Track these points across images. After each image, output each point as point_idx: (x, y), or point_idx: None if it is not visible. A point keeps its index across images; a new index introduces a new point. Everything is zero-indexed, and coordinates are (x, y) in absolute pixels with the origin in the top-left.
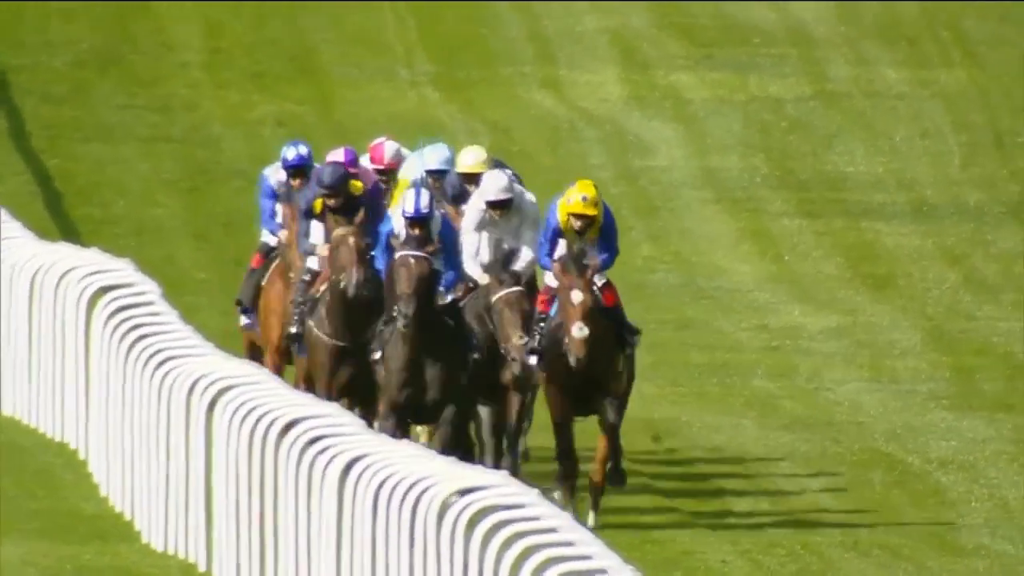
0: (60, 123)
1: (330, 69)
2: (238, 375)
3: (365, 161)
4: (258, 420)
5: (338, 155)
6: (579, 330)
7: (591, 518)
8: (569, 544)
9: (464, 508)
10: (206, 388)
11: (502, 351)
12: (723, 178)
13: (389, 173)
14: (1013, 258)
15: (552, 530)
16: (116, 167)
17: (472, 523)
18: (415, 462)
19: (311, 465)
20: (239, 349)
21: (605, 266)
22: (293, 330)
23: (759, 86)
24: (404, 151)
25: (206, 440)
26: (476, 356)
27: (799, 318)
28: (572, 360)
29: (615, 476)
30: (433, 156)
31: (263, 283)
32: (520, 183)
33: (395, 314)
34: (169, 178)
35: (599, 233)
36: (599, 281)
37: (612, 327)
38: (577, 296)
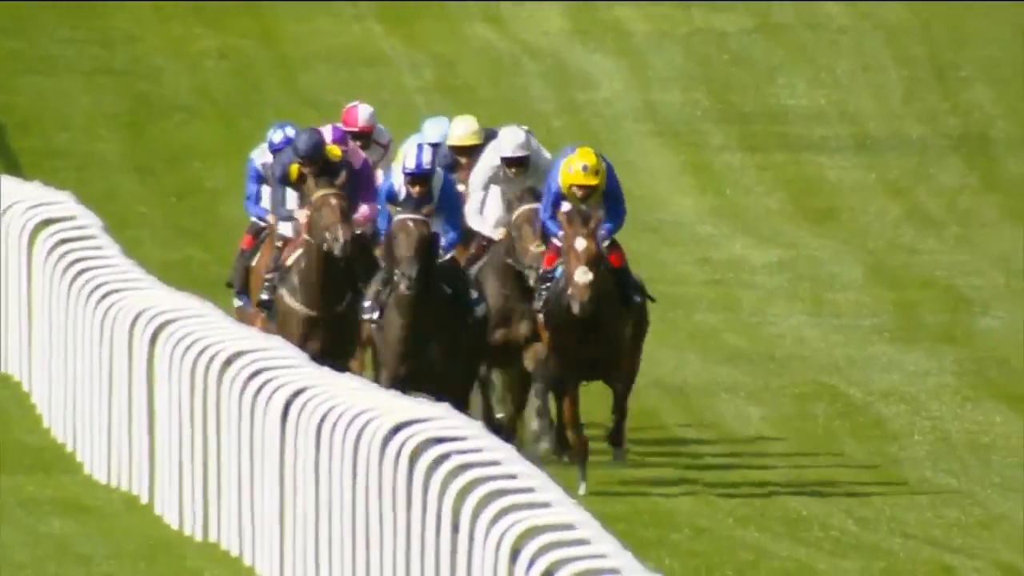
0: (1, 55)
1: (273, 2)
2: (180, 308)
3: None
4: (200, 353)
5: (325, 133)
6: (583, 274)
7: (582, 487)
8: (512, 477)
9: (406, 440)
10: (148, 321)
11: (515, 265)
12: (665, 111)
13: (364, 137)
14: (955, 192)
15: (495, 463)
16: (58, 100)
17: (415, 455)
18: (357, 394)
19: (253, 397)
20: (181, 282)
21: (611, 232)
22: (264, 296)
23: (702, 19)
24: (368, 107)
25: (148, 373)
26: (479, 315)
27: (741, 252)
28: (576, 307)
29: (617, 449)
30: (433, 129)
31: (253, 264)
32: (543, 149)
33: (396, 278)
34: (111, 111)
35: (602, 199)
36: (604, 243)
37: (617, 287)
38: (581, 243)
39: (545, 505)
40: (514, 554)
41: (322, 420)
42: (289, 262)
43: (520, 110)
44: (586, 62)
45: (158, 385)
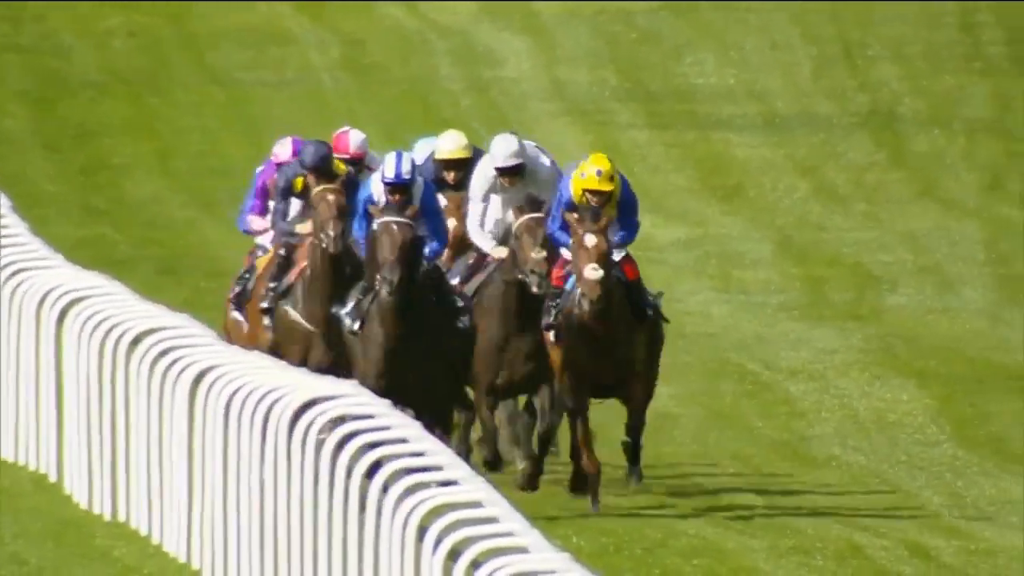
0: None
1: None
2: (89, 287)
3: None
4: (108, 331)
5: (286, 145)
6: (593, 271)
7: (595, 507)
8: (419, 455)
9: (315, 418)
10: (56, 300)
11: (519, 276)
12: (573, 90)
13: (356, 163)
14: (863, 169)
15: (402, 440)
16: None
17: (323, 433)
18: (266, 372)
19: (162, 376)
20: (90, 261)
21: (624, 242)
22: (264, 305)
23: None
24: (360, 134)
25: (56, 352)
26: (465, 325)
27: (650, 229)
28: (586, 305)
29: (633, 468)
30: (423, 150)
31: (250, 285)
32: (542, 152)
33: (377, 283)
34: (19, 88)
35: (617, 209)
36: (618, 255)
37: (630, 301)
38: (591, 240)
39: (453, 483)
40: (421, 532)
41: (231, 398)
42: (293, 277)
43: (428, 89)
44: (494, 41)
45: (66, 364)
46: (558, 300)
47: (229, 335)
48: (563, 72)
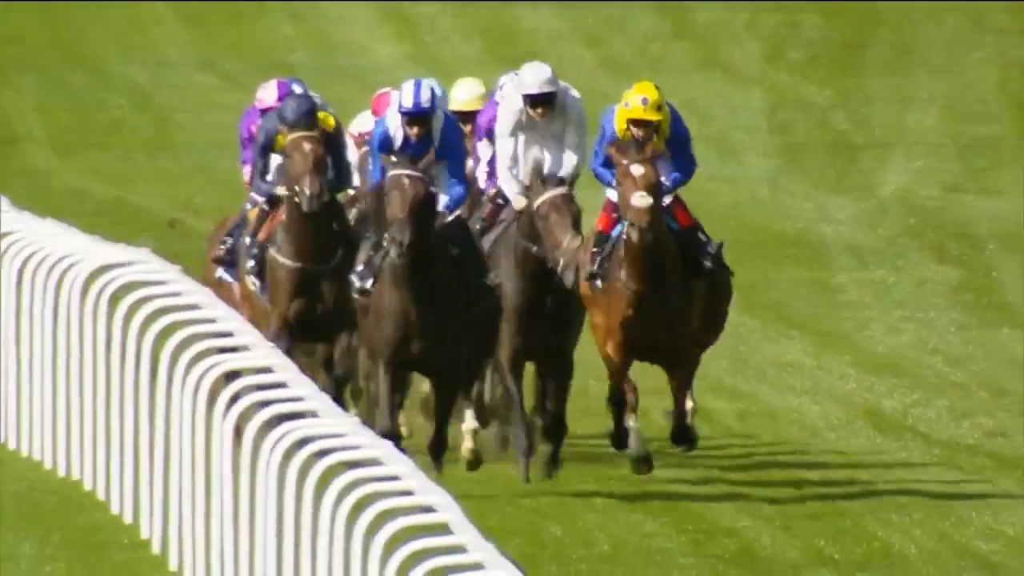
0: None
1: None
2: None
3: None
4: None
5: (270, 89)
6: (641, 198)
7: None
8: (212, 320)
9: (107, 284)
10: None
11: (549, 262)
12: None
13: None
14: (648, 39)
15: (195, 306)
16: None
17: (115, 300)
18: (59, 239)
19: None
20: None
21: (677, 183)
22: (251, 263)
23: None
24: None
25: None
26: (490, 283)
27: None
28: (635, 235)
29: (681, 434)
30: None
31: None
32: (571, 88)
33: (386, 243)
34: None
35: (665, 143)
36: (667, 198)
37: (681, 253)
38: (637, 169)
39: (243, 348)
40: (212, 396)
41: (23, 265)
42: (269, 226)
43: None
44: None
45: None
46: (604, 246)
47: (224, 295)
48: None
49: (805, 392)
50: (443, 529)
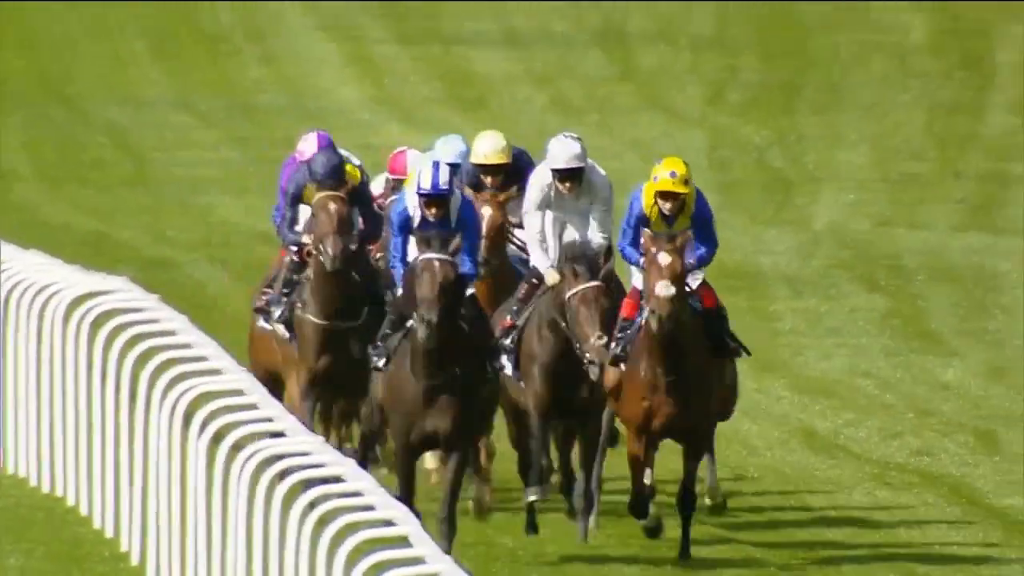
0: None
1: None
2: None
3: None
4: None
5: (310, 141)
6: (664, 288)
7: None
8: (187, 346)
9: (88, 310)
10: None
11: (577, 354)
12: (325, 8)
13: None
14: (596, 82)
15: (172, 332)
16: None
17: (97, 324)
18: (43, 269)
19: None
20: None
21: (702, 262)
22: (278, 312)
23: None
24: (418, 154)
25: None
26: (500, 366)
27: (398, 137)
28: (654, 323)
29: (685, 498)
30: (447, 149)
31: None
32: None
33: (414, 322)
34: None
35: (691, 221)
36: (694, 282)
37: (706, 335)
38: (664, 258)
39: (218, 372)
40: (187, 417)
41: (8, 294)
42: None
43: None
44: None
45: None
46: (627, 332)
47: (253, 345)
48: None
49: (744, 413)
50: (403, 542)
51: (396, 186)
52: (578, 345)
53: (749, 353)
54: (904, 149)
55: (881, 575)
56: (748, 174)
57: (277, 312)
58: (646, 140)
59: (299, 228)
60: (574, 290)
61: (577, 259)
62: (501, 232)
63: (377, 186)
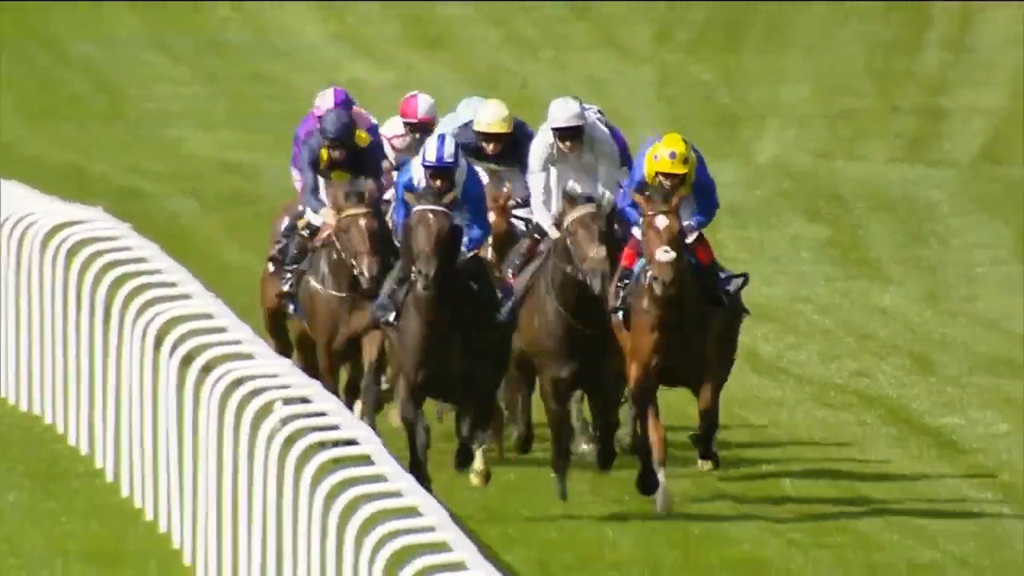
0: None
1: None
2: None
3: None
4: None
5: (327, 96)
6: (664, 253)
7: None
8: (157, 272)
9: (65, 239)
10: None
11: (578, 274)
12: None
13: (422, 128)
14: (550, 21)
15: (143, 259)
16: None
17: (73, 252)
18: (22, 200)
19: None
20: None
21: (700, 225)
22: (286, 288)
23: None
24: (428, 98)
25: None
26: (505, 317)
27: (362, 73)
28: (658, 288)
29: (706, 452)
30: (469, 112)
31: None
32: (601, 123)
33: (412, 275)
34: None
35: (691, 191)
36: (691, 237)
37: (701, 287)
38: (662, 221)
39: (186, 296)
40: (158, 340)
41: None
42: (314, 249)
43: None
44: None
45: None
46: (626, 281)
47: (265, 291)
48: None
49: None
50: (365, 460)
51: (409, 129)
52: (579, 268)
53: (748, 312)
54: (844, 86)
55: (821, 491)
56: (695, 110)
57: (284, 287)
58: (599, 76)
59: (322, 196)
60: (571, 217)
61: (576, 196)
62: (506, 236)
63: (391, 128)
